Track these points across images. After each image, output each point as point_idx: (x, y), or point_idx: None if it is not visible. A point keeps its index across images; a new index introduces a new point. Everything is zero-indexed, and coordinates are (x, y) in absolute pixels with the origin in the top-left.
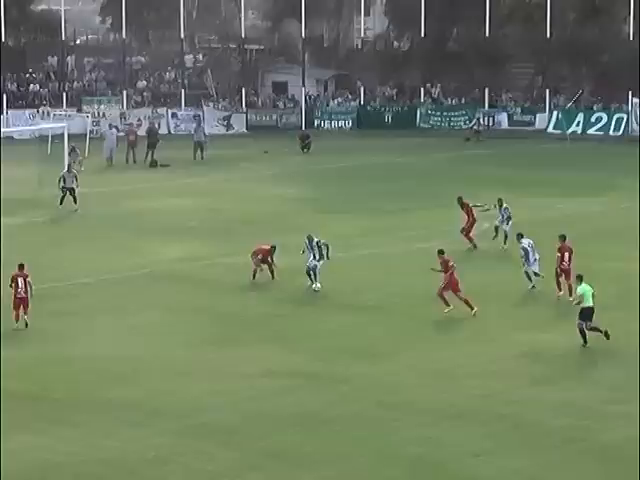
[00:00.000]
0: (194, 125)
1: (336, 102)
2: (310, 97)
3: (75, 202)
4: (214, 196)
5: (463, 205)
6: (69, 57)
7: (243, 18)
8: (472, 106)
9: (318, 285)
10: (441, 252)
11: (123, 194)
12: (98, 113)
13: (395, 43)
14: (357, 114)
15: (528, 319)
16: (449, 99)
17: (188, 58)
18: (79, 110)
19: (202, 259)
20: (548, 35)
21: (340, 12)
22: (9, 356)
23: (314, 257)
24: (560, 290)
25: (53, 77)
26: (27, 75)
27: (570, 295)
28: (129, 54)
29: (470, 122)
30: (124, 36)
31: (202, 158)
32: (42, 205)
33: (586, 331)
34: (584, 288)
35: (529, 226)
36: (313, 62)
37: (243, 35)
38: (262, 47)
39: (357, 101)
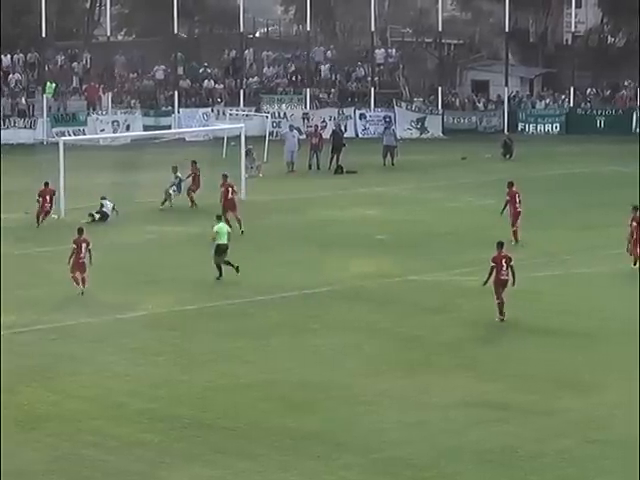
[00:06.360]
0: (384, 127)
1: (543, 104)
2: (514, 98)
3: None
4: (405, 206)
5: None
6: (247, 50)
7: (440, 9)
8: None
9: None
10: None
11: (305, 203)
12: (279, 113)
13: (610, 38)
14: (566, 117)
15: None
16: None
17: (379, 53)
18: (258, 110)
19: (391, 276)
20: None
21: (548, 3)
22: (180, 380)
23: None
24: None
25: (231, 72)
26: (202, 70)
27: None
28: (313, 48)
29: None
30: (308, 28)
31: (392, 164)
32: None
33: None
34: (220, 226)
35: None
36: (517, 59)
37: (440, 28)
38: (461, 41)
39: (566, 103)
